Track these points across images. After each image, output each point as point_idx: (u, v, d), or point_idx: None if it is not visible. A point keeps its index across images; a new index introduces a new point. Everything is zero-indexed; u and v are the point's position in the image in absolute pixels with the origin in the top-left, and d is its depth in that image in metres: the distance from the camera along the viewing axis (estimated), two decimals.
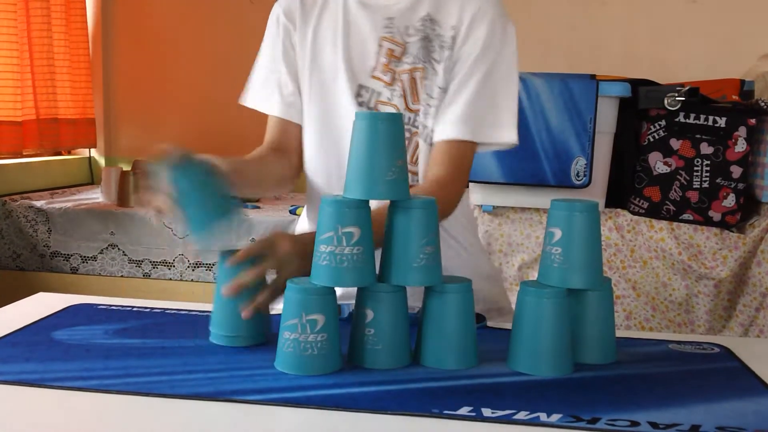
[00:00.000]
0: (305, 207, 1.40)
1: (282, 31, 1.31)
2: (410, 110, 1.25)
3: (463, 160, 1.23)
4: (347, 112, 1.25)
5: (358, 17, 1.27)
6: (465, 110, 1.21)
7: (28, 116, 3.15)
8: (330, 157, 1.29)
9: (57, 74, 3.32)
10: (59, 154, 3.59)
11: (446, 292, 0.98)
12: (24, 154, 3.19)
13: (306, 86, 1.29)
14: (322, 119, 1.29)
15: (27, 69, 3.14)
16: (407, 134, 1.25)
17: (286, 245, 1.02)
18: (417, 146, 1.26)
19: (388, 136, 0.97)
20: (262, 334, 1.05)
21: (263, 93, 1.32)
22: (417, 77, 1.25)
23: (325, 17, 1.28)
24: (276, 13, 1.32)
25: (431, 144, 1.25)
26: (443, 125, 1.23)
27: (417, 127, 1.25)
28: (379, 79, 1.25)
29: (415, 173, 1.26)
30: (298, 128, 1.32)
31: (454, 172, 1.22)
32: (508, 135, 1.24)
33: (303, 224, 1.41)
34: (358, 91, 1.26)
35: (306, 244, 1.01)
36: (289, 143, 1.32)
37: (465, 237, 1.34)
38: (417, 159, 1.26)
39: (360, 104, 1.25)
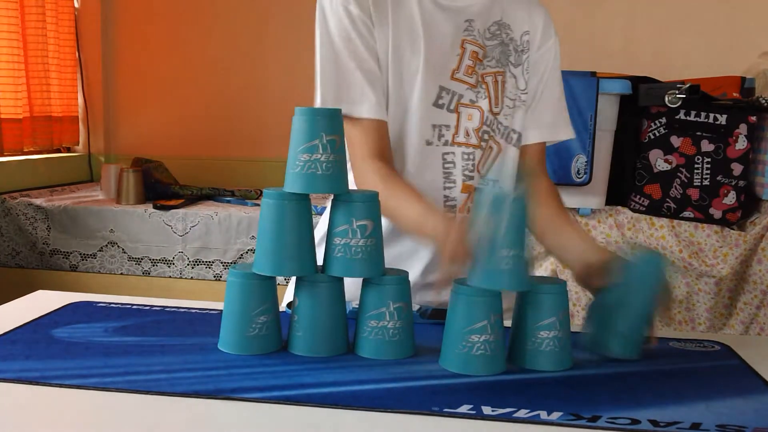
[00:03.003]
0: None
1: (362, 26, 1.19)
2: (493, 113, 1.25)
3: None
4: (424, 114, 1.21)
5: (436, 18, 1.22)
6: (553, 114, 1.34)
7: (25, 114, 3.15)
8: (396, 161, 1.23)
9: (50, 72, 3.33)
10: (59, 151, 3.58)
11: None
12: (24, 151, 3.19)
13: (388, 88, 1.21)
14: (395, 124, 1.23)
15: (22, 67, 3.14)
16: (485, 136, 1.25)
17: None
18: (492, 150, 1.27)
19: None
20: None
21: (353, 97, 1.18)
22: (499, 80, 1.26)
23: (401, 17, 1.20)
24: (344, 6, 1.18)
25: (512, 142, 1.29)
26: (538, 129, 1.32)
27: (494, 131, 1.26)
28: (462, 81, 1.23)
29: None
30: (387, 126, 1.23)
31: (545, 167, 1.38)
32: (572, 131, 1.37)
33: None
34: (439, 93, 1.22)
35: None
36: (387, 145, 1.21)
37: None
38: (486, 162, 1.26)
39: (440, 106, 1.22)
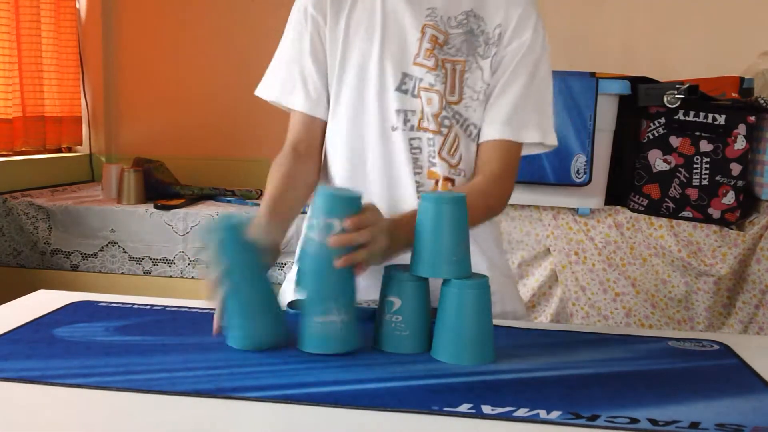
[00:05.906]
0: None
1: (310, 24, 1.27)
2: (448, 101, 1.24)
3: (511, 159, 1.27)
4: (385, 100, 1.24)
5: (397, 8, 1.25)
6: (512, 111, 1.24)
7: (16, 114, 3.15)
8: (355, 150, 1.27)
9: (45, 72, 3.32)
10: (58, 151, 3.58)
11: (464, 287, 0.99)
12: (15, 150, 3.19)
13: (336, 80, 1.27)
14: (353, 113, 1.26)
15: (15, 67, 3.13)
16: (446, 122, 1.24)
17: (383, 222, 1.04)
18: (456, 138, 1.25)
19: (452, 218, 1.01)
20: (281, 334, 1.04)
21: (286, 87, 1.29)
22: (458, 69, 1.25)
23: (358, 9, 1.26)
24: (303, 4, 1.28)
25: (471, 136, 1.26)
26: (491, 125, 1.25)
27: (454, 119, 1.25)
28: (422, 65, 1.24)
29: (454, 165, 1.26)
30: (324, 125, 1.29)
31: (505, 168, 1.26)
32: (550, 137, 1.28)
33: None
34: (402, 80, 1.24)
35: (397, 226, 1.06)
36: (314, 141, 1.30)
37: (489, 246, 1.32)
38: (455, 150, 1.25)
39: (404, 92, 1.24)
